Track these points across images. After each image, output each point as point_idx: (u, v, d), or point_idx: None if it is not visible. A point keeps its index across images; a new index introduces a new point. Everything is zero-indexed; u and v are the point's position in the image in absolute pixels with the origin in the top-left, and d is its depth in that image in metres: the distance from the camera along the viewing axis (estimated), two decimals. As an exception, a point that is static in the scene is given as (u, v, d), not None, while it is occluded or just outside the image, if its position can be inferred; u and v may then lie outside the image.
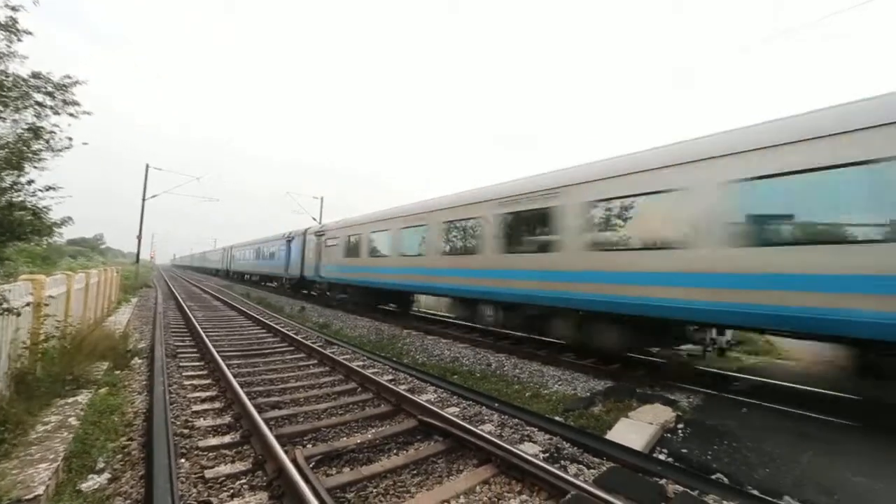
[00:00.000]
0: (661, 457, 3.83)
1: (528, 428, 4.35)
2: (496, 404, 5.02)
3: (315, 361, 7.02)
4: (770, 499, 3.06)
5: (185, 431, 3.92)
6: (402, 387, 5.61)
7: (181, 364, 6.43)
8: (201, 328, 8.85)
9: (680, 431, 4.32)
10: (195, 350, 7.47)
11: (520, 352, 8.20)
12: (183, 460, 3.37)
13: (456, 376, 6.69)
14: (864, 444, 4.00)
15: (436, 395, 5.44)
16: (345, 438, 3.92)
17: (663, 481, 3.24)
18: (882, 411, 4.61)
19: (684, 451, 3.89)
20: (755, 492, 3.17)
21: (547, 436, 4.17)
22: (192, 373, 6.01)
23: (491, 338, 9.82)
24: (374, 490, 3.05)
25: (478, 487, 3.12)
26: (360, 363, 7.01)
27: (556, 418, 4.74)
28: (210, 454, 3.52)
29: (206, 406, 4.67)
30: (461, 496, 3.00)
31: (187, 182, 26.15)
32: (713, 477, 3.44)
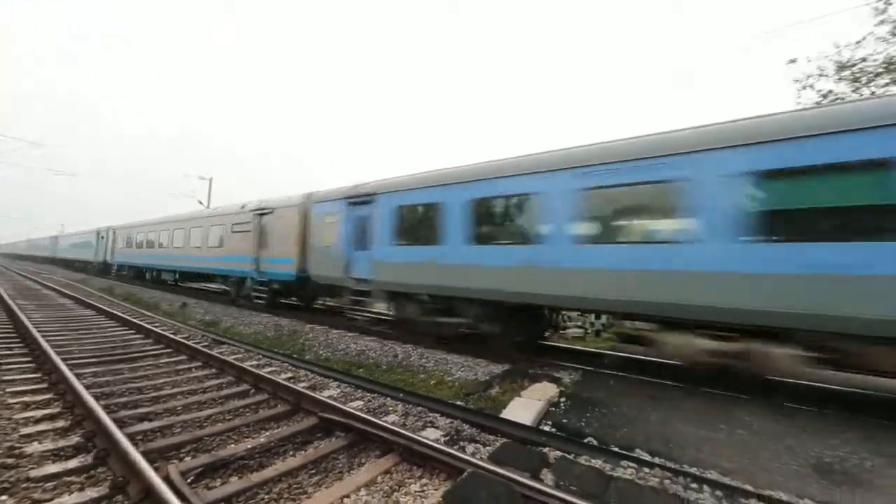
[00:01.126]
0: (546, 428, 4.31)
1: (431, 414, 4.50)
2: (401, 394, 5.07)
3: (199, 364, 6.22)
4: (626, 452, 3.68)
5: (9, 462, 3.14)
6: (303, 384, 5.32)
7: (2, 379, 5.11)
8: (38, 332, 7.14)
9: (562, 404, 4.90)
10: (28, 360, 6.01)
11: (426, 342, 8.39)
12: (5, 497, 2.71)
13: (361, 370, 6.57)
14: (698, 403, 5.02)
15: (339, 391, 5.27)
16: (233, 445, 3.56)
17: (547, 449, 3.66)
18: (709, 376, 5.86)
19: (565, 421, 4.43)
20: (616, 448, 3.78)
21: (448, 420, 4.36)
22: (23, 388, 4.83)
23: (400, 329, 9.86)
24: (267, 496, 2.85)
25: (379, 478, 3.13)
26: (255, 362, 6.43)
27: (458, 403, 4.98)
28: (47, 484, 2.88)
29: (42, 427, 3.79)
30: (361, 489, 2.97)
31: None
32: (585, 440, 3.99)
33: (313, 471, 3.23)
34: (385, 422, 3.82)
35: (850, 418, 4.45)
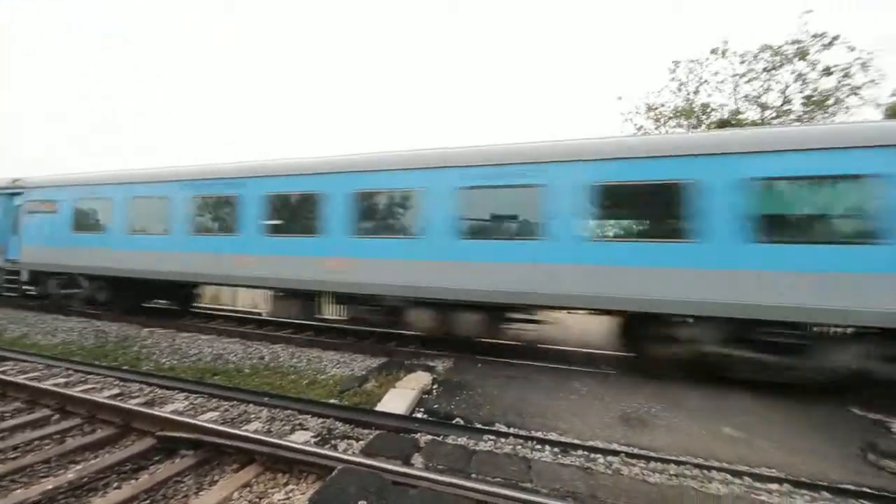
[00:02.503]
0: (419, 415, 4.51)
1: (301, 416, 4.24)
2: (266, 399, 4.65)
3: (-37, 390, 4.57)
4: (487, 427, 4.12)
5: None
6: (136, 401, 4.42)
7: None
8: None
9: (434, 391, 5.19)
10: None
11: (298, 340, 7.85)
12: None
13: (218, 377, 5.78)
14: (546, 378, 5.89)
15: (187, 403, 4.54)
16: (21, 491, 2.75)
17: (418, 435, 3.83)
18: (555, 354, 6.93)
19: (436, 406, 4.70)
20: (479, 425, 4.19)
21: (320, 420, 4.18)
22: None
23: (269, 327, 8.99)
24: (75, 544, 2.29)
25: (236, 494, 2.82)
26: (62, 380, 5.06)
27: (332, 401, 4.82)
28: None
29: None
30: (212, 510, 2.64)
31: None
32: (454, 421, 4.32)
33: (147, 501, 2.73)
34: (245, 431, 3.46)
35: (645, 380, 5.83)
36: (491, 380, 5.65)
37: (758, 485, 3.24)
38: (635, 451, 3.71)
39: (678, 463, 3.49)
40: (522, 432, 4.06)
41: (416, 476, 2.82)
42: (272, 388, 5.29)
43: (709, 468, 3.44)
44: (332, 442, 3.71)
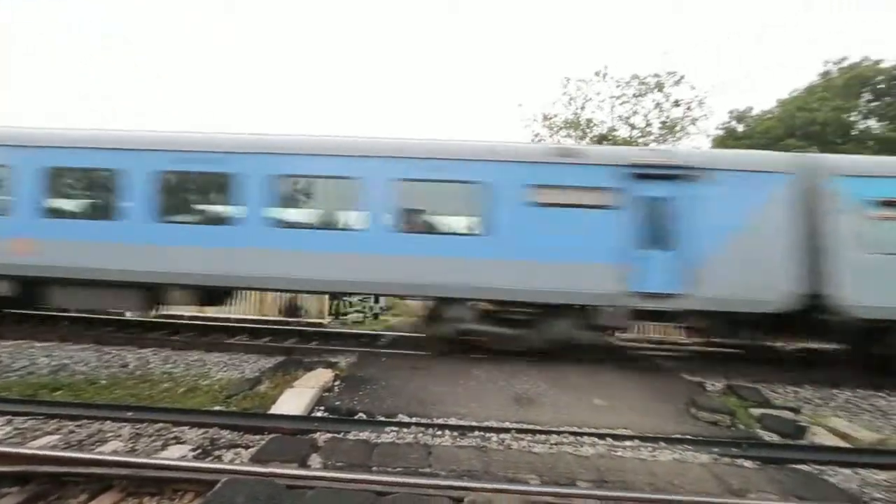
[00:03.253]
0: (319, 413, 4.32)
1: (176, 429, 3.72)
2: (129, 413, 3.96)
3: None
4: (389, 419, 4.15)
5: None
6: (-75, 433, 3.37)
7: None
8: None
9: (336, 388, 5.02)
10: None
11: (175, 343, 6.84)
12: None
13: (60, 392, 4.74)
14: (448, 367, 6.13)
15: (10, 429, 3.62)
16: None
17: (317, 434, 3.68)
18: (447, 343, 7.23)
19: (338, 403, 4.57)
20: (382, 418, 4.20)
21: (201, 431, 3.72)
22: None
23: (136, 329, 7.67)
24: None
25: (84, 528, 2.36)
26: None
27: (217, 408, 4.33)
28: None
29: None
30: (49, 553, 2.17)
31: None
32: (356, 417, 4.25)
33: (-55, 558, 2.12)
34: (98, 454, 2.91)
35: (537, 362, 6.48)
36: (395, 372, 5.68)
37: (616, 443, 3.88)
38: (524, 426, 4.12)
39: (558, 433, 3.99)
40: (425, 420, 4.18)
41: (312, 477, 2.70)
42: (138, 399, 4.54)
43: (581, 434, 4.00)
44: (216, 453, 3.34)
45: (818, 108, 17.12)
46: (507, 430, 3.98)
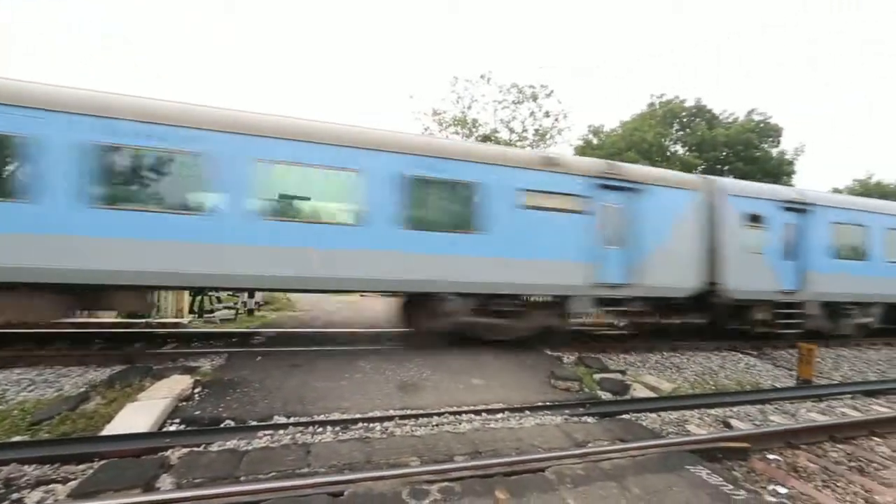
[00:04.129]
0: (173, 427, 3.72)
1: (-57, 475, 2.77)
2: None
3: None
4: (263, 423, 3.80)
5: None
6: None
7: None
8: None
9: (197, 395, 4.38)
10: None
11: (-55, 360, 5.06)
12: None
13: None
14: (331, 362, 5.87)
15: None
16: None
17: (169, 451, 3.16)
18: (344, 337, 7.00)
19: (198, 412, 3.99)
20: (254, 422, 3.82)
21: (-11, 471, 2.85)
22: None
23: None
24: None
25: None
26: None
27: (17, 439, 3.37)
28: None
29: None
30: None
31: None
32: (222, 425, 3.78)
33: None
34: None
35: (419, 350, 6.68)
36: (272, 371, 5.23)
37: (490, 417, 4.29)
38: (408, 412, 4.23)
39: (439, 414, 4.21)
40: (304, 419, 3.96)
41: (160, 501, 2.32)
42: None
43: (460, 413, 4.30)
44: (15, 497, 2.60)
45: (647, 131, 21.42)
46: (390, 419, 4.04)
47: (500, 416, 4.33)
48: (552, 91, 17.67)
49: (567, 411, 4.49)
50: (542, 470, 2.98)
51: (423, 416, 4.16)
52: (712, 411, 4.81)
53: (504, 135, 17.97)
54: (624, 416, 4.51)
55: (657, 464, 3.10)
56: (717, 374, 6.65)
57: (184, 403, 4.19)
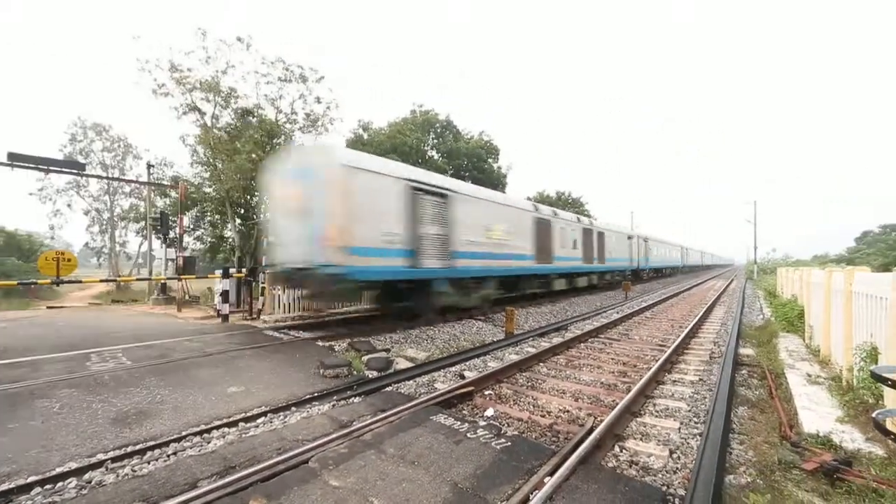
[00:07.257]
0: None
1: None
2: None
3: None
4: None
5: None
6: None
7: None
8: None
9: None
10: None
11: None
12: None
13: None
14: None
15: None
16: None
17: None
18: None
19: None
20: None
21: None
22: None
23: None
24: None
25: None
26: None
27: None
28: None
29: None
30: None
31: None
32: None
33: None
34: None
35: (150, 369, 5.26)
36: None
37: (249, 425, 3.85)
38: (127, 450, 3.26)
39: (178, 440, 3.45)
40: None
41: None
42: None
43: (209, 430, 3.66)
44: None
45: (408, 135, 24.13)
46: (96, 466, 3.00)
47: (260, 420, 3.96)
48: (322, 77, 17.18)
49: (335, 397, 4.58)
50: (307, 462, 2.93)
51: (151, 448, 3.30)
52: (453, 368, 5.98)
53: (270, 113, 16.20)
54: (387, 388, 4.99)
55: (409, 422, 3.61)
56: (459, 339, 8.31)
57: None
